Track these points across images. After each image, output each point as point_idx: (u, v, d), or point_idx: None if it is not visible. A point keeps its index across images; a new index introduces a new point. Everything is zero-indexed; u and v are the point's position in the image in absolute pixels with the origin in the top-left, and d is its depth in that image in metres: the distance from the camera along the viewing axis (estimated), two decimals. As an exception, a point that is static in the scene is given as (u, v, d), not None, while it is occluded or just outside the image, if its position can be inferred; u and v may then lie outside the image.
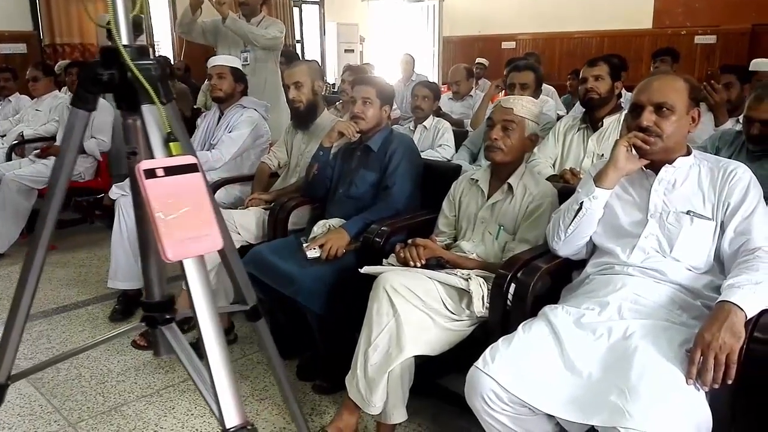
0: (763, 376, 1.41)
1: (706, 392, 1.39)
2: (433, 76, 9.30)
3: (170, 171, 0.80)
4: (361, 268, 2.07)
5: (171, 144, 0.83)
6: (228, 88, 3.19)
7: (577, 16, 8.02)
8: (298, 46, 8.85)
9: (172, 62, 6.29)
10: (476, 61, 6.89)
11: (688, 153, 1.76)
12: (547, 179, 2.55)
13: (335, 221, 2.47)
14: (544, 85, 4.60)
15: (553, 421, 1.53)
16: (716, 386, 1.37)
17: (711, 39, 7.22)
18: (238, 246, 2.65)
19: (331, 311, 2.20)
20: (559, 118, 3.30)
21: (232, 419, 0.79)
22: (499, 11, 8.88)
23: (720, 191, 1.68)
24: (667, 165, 1.73)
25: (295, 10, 8.80)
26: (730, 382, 1.38)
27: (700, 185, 1.71)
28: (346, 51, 8.94)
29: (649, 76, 1.85)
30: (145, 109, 0.85)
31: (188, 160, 0.82)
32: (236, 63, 3.28)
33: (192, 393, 2.38)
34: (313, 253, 2.30)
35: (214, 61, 3.24)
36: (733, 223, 1.65)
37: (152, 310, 0.98)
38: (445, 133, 3.63)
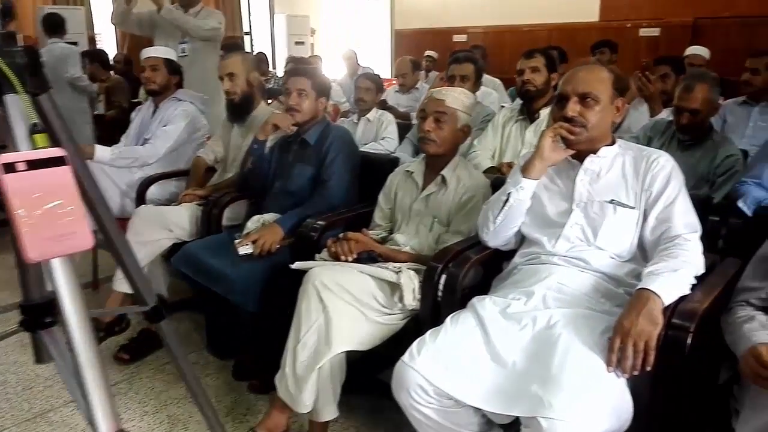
0: (680, 363, 1.43)
1: (626, 380, 1.40)
2: (387, 70, 9.26)
3: (34, 165, 0.74)
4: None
5: (36, 136, 0.78)
6: (162, 80, 3.09)
7: (526, 10, 8.10)
8: (247, 39, 8.69)
9: (109, 55, 6.06)
10: (425, 54, 6.86)
11: (613, 143, 1.77)
12: (485, 171, 2.56)
13: (270, 216, 2.41)
14: (489, 78, 4.62)
15: (479, 413, 1.52)
16: (635, 373, 1.38)
17: (655, 32, 7.37)
18: (170, 243, 2.57)
19: (264, 309, 2.15)
20: (502, 110, 3.30)
21: (104, 427, 0.74)
22: (451, 4, 8.88)
23: (643, 180, 1.69)
24: (591, 155, 1.74)
25: (243, 1, 8.62)
26: (648, 368, 1.39)
27: (624, 174, 1.72)
28: (296, 43, 8.80)
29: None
30: (9, 99, 0.79)
31: (55, 152, 0.76)
32: (170, 54, 3.16)
33: (122, 396, 2.30)
34: (245, 249, 2.24)
35: (146, 53, 3.13)
36: (655, 211, 1.66)
37: (30, 313, 0.91)
38: (389, 125, 3.60)
